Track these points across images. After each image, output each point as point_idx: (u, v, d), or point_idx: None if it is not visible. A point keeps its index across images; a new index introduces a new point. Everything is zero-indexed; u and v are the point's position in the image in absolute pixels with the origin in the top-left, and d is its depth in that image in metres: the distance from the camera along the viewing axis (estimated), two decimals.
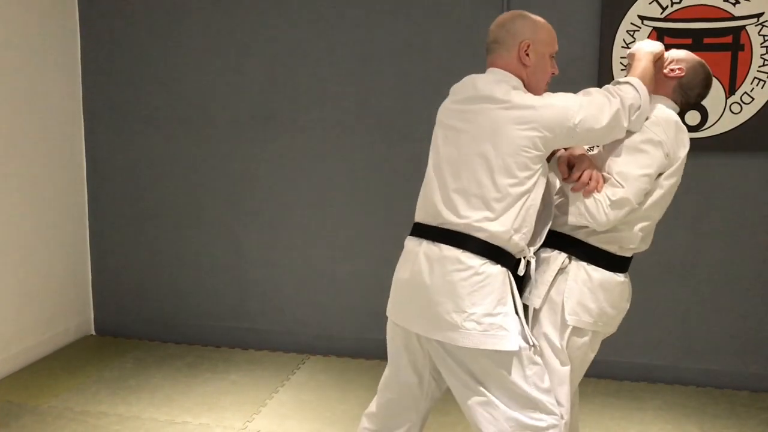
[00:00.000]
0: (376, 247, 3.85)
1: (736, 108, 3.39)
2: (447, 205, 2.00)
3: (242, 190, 4.02)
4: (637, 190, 2.01)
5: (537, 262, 2.09)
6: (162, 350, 4.06)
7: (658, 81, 2.18)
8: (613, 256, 2.12)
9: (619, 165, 2.03)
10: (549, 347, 2.08)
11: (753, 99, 3.36)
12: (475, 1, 3.59)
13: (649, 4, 3.38)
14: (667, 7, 3.37)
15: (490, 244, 1.96)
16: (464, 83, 2.11)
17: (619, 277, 2.14)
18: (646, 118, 2.07)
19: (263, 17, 3.85)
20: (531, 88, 2.05)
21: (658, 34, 3.40)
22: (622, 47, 3.43)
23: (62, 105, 4.02)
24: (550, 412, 1.98)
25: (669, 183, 2.10)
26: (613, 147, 2.08)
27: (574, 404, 2.26)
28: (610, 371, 3.69)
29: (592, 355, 2.19)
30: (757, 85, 3.35)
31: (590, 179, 2.01)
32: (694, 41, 3.37)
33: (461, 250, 1.96)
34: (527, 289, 2.11)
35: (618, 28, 3.43)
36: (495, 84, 2.01)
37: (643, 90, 2.05)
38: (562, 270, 2.10)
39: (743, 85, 3.36)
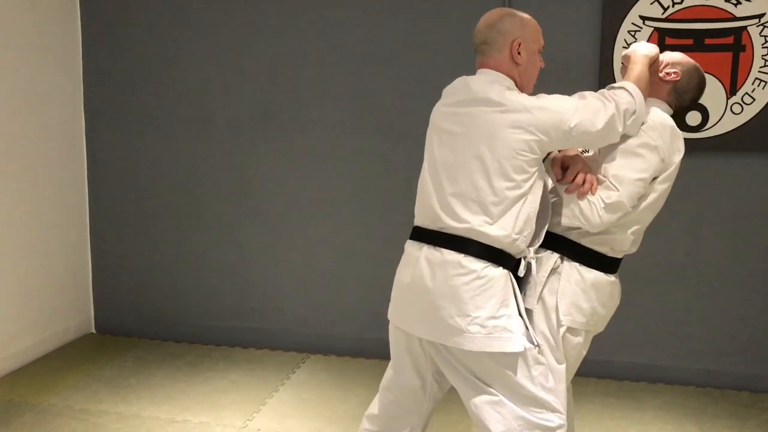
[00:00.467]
0: (376, 246, 3.85)
1: (737, 108, 3.39)
2: (445, 209, 1.99)
3: (242, 189, 4.02)
4: (632, 194, 2.03)
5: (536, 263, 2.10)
6: (162, 349, 4.06)
7: (653, 84, 2.18)
8: (605, 258, 2.14)
9: (615, 168, 2.04)
10: (546, 346, 2.09)
11: (754, 100, 3.36)
12: (476, 3, 3.59)
13: (651, 4, 3.38)
14: (668, 7, 3.37)
15: (492, 247, 1.96)
16: (456, 86, 2.10)
17: (610, 277, 2.16)
18: (642, 123, 2.07)
19: (263, 17, 3.85)
20: (523, 85, 2.06)
21: (659, 35, 3.40)
22: (623, 47, 3.42)
23: (63, 105, 4.02)
24: (555, 411, 2.00)
25: (662, 187, 2.11)
26: (609, 150, 2.08)
27: (569, 402, 2.28)
28: (610, 371, 3.70)
29: (584, 353, 2.21)
30: (758, 86, 3.35)
31: (584, 181, 2.03)
32: (695, 42, 3.37)
33: (463, 255, 1.96)
34: (524, 290, 2.12)
35: (619, 28, 3.42)
36: (489, 86, 2.01)
37: (639, 95, 2.05)
38: (554, 270, 2.11)
39: (744, 85, 3.36)
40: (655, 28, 3.40)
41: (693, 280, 3.59)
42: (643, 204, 2.09)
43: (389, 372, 2.24)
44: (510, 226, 1.95)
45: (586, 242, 2.11)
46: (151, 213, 4.16)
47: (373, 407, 2.28)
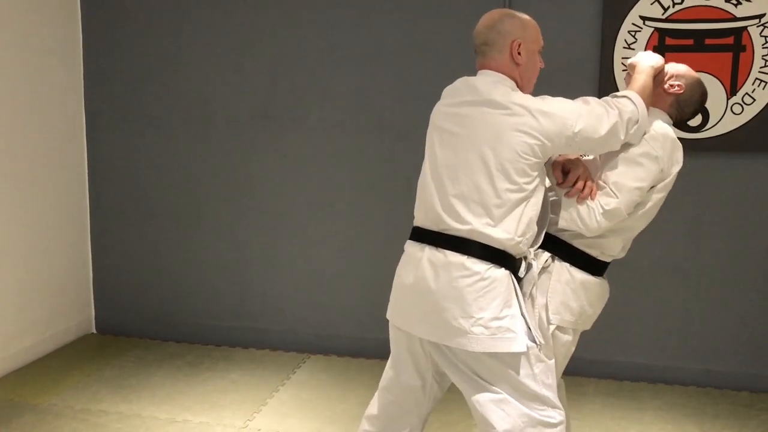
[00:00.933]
0: (376, 246, 3.85)
1: (737, 109, 3.38)
2: (448, 210, 1.99)
3: (242, 189, 4.02)
4: (629, 202, 2.06)
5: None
6: (162, 349, 4.06)
7: (656, 95, 2.20)
8: (594, 260, 2.17)
9: (616, 175, 2.07)
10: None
11: (754, 100, 3.36)
12: (476, 3, 3.58)
13: (651, 4, 3.38)
14: (668, 7, 3.37)
15: (494, 248, 1.96)
16: (458, 86, 2.10)
17: (598, 279, 2.20)
18: (645, 132, 2.09)
19: (263, 17, 3.85)
20: (523, 85, 2.07)
21: (660, 35, 3.40)
22: (624, 48, 3.43)
23: (64, 105, 4.02)
24: (556, 407, 2.02)
25: (658, 197, 2.14)
26: (610, 157, 2.11)
27: (561, 398, 2.31)
28: (610, 371, 3.70)
29: (572, 350, 2.24)
30: (758, 86, 3.35)
31: (584, 187, 2.05)
32: (696, 42, 3.37)
33: (466, 256, 1.96)
34: (523, 289, 2.13)
35: (620, 28, 3.42)
36: (493, 87, 2.01)
37: (642, 105, 2.06)
38: (544, 269, 2.14)
39: (744, 86, 3.36)
40: (656, 29, 3.40)
41: (693, 280, 3.59)
42: (639, 212, 2.13)
43: (389, 372, 2.24)
44: (512, 228, 1.96)
45: (577, 244, 2.14)
46: (151, 213, 4.16)
47: (372, 408, 2.28)
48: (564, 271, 2.14)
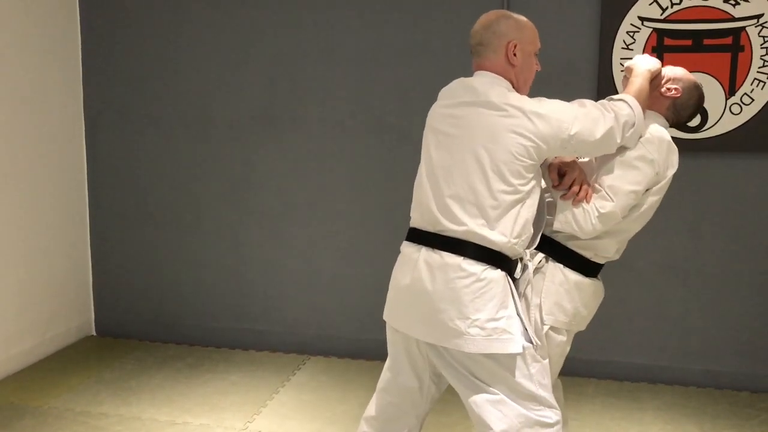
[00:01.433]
0: (376, 247, 3.85)
1: (736, 109, 3.39)
2: (443, 211, 2.00)
3: (242, 190, 4.02)
4: (625, 205, 2.07)
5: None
6: (162, 351, 4.06)
7: (653, 98, 2.21)
8: (588, 262, 2.18)
9: (611, 179, 2.07)
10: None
11: (753, 100, 3.36)
12: (475, 4, 3.59)
13: (649, 5, 3.38)
14: (667, 8, 3.37)
15: (490, 249, 1.96)
16: (454, 87, 2.10)
17: (593, 280, 2.21)
18: (640, 136, 2.09)
19: (263, 18, 3.85)
20: (518, 87, 2.07)
21: (658, 35, 3.40)
22: (622, 48, 3.43)
23: (63, 106, 4.02)
24: (552, 407, 2.02)
25: (653, 200, 2.15)
26: (606, 160, 2.12)
27: (558, 399, 2.31)
28: (610, 372, 3.70)
29: (567, 350, 2.25)
30: (757, 86, 3.35)
31: (580, 190, 2.05)
32: (694, 42, 3.37)
33: (462, 258, 1.96)
34: (519, 290, 2.14)
35: (618, 28, 3.43)
36: (489, 88, 2.01)
37: (638, 108, 2.06)
38: (538, 269, 2.15)
39: (743, 86, 3.36)
40: (654, 29, 3.40)
41: (692, 281, 3.59)
42: (634, 214, 2.14)
43: (386, 374, 2.24)
44: (508, 230, 1.96)
45: (571, 245, 2.15)
46: (151, 214, 4.16)
47: (371, 409, 2.28)
48: (558, 272, 2.15)
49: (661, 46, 3.40)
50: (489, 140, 1.95)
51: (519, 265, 2.06)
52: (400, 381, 2.19)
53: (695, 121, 3.42)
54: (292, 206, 3.97)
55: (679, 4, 3.36)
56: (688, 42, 3.38)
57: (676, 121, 2.26)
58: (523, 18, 2.09)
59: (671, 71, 2.24)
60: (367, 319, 3.89)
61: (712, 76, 3.37)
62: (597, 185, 2.09)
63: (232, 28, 3.90)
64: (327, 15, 3.78)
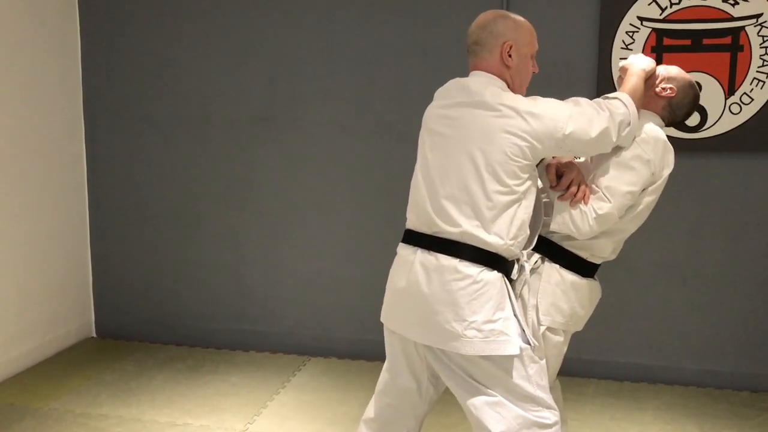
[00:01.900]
0: (376, 248, 3.85)
1: (735, 108, 3.39)
2: (439, 213, 1.99)
3: (242, 191, 4.02)
4: (622, 206, 2.08)
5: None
6: (163, 352, 4.06)
7: (648, 98, 2.20)
8: (585, 262, 2.18)
9: (608, 180, 2.07)
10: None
11: (752, 99, 3.36)
12: (475, 4, 3.59)
13: (648, 5, 3.38)
14: (666, 8, 3.37)
15: (486, 251, 1.96)
16: (449, 87, 2.10)
17: (589, 281, 2.21)
18: (636, 135, 2.08)
19: (263, 19, 3.85)
20: (514, 89, 2.05)
21: (657, 35, 3.40)
22: (622, 48, 3.43)
23: (63, 107, 4.02)
24: (550, 407, 2.02)
25: (649, 199, 2.16)
26: (602, 160, 2.11)
27: (557, 400, 2.32)
28: (610, 372, 3.70)
29: (564, 350, 2.25)
30: (756, 86, 3.35)
31: (578, 190, 2.05)
32: (694, 42, 3.37)
33: (458, 260, 1.96)
34: (516, 291, 2.14)
35: (617, 29, 3.43)
36: (484, 88, 2.00)
37: (633, 107, 2.06)
38: (534, 270, 2.15)
39: (742, 85, 3.36)
40: (653, 29, 3.40)
41: (692, 280, 3.59)
42: (630, 214, 2.14)
43: (385, 375, 2.24)
44: (504, 231, 1.96)
45: (567, 245, 2.15)
46: (151, 216, 4.16)
47: (370, 411, 2.28)
48: (554, 273, 2.15)
49: (661, 46, 3.40)
50: (483, 141, 1.94)
51: (515, 266, 2.05)
52: (398, 383, 2.19)
53: (694, 121, 3.42)
54: (292, 207, 3.97)
55: (678, 4, 3.36)
56: (688, 42, 3.38)
57: (672, 121, 2.26)
58: (521, 19, 2.08)
59: (665, 70, 2.23)
60: (368, 320, 3.88)
61: (711, 75, 3.37)
62: (594, 186, 2.09)
63: (231, 28, 3.90)
64: (326, 16, 3.78)
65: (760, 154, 3.42)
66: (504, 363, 1.97)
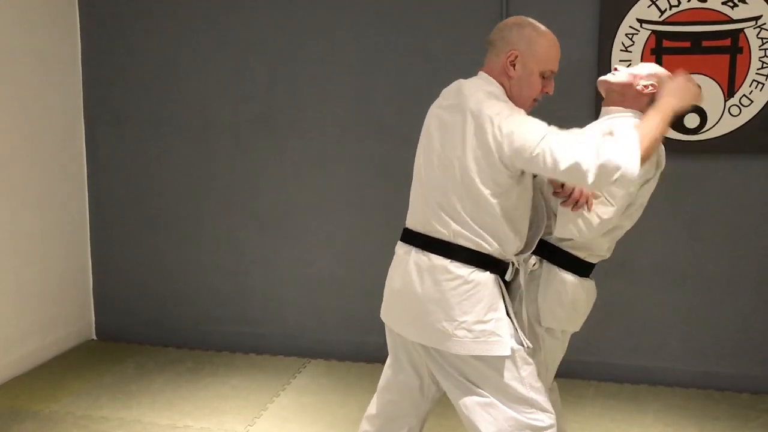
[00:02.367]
0: (376, 250, 3.85)
1: (735, 110, 3.39)
2: (432, 212, 2.00)
3: (242, 194, 4.03)
4: (622, 207, 2.09)
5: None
6: (163, 355, 4.06)
7: (631, 98, 2.21)
8: (582, 262, 2.19)
9: None
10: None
11: (752, 101, 3.36)
12: (474, 7, 3.60)
13: (648, 7, 3.39)
14: (665, 10, 3.38)
15: (478, 252, 1.96)
16: (450, 88, 2.08)
17: (586, 281, 2.21)
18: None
19: (262, 22, 3.86)
20: (512, 99, 1.99)
21: (657, 38, 3.40)
22: (621, 50, 3.43)
23: (63, 110, 4.03)
24: (545, 410, 2.01)
25: (644, 197, 2.17)
26: None
27: (555, 402, 2.32)
28: (610, 374, 3.70)
29: (564, 351, 2.26)
30: (755, 88, 3.35)
31: (581, 196, 2.03)
32: (693, 44, 3.38)
33: (449, 260, 1.97)
34: (511, 292, 2.15)
35: (617, 31, 3.43)
36: (473, 93, 1.96)
37: (635, 154, 1.78)
38: (531, 271, 2.16)
39: (742, 87, 3.36)
40: (653, 31, 3.41)
41: (692, 282, 3.59)
42: (627, 212, 2.15)
43: (387, 371, 2.25)
44: (490, 235, 1.95)
45: (564, 246, 2.16)
46: (151, 218, 4.16)
47: (372, 408, 2.29)
48: (552, 274, 2.15)
49: (660, 48, 3.41)
50: (460, 147, 1.93)
51: (510, 268, 2.05)
52: (400, 379, 2.20)
53: (694, 123, 3.43)
54: (292, 209, 3.97)
55: (678, 6, 3.36)
56: (687, 44, 3.38)
57: None
58: (545, 34, 1.99)
59: (644, 69, 2.24)
60: (368, 322, 3.87)
61: (710, 77, 3.38)
62: (596, 192, 2.08)
63: (231, 31, 3.91)
64: (325, 20, 3.79)
65: (759, 155, 3.43)
66: (496, 364, 1.97)
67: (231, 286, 4.11)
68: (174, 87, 4.02)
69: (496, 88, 1.99)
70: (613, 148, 1.79)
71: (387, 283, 2.16)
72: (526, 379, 1.99)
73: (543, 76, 2.00)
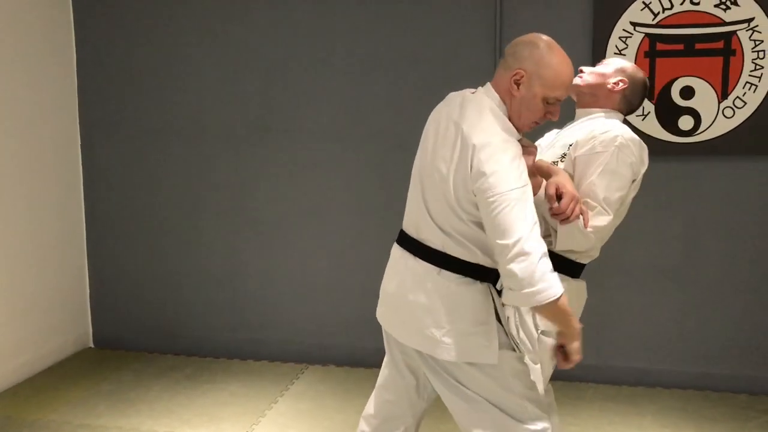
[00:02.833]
0: (373, 255, 3.83)
1: (728, 112, 3.41)
2: (423, 220, 2.00)
3: (238, 200, 4.03)
4: (615, 211, 2.10)
5: None
6: (161, 362, 4.05)
7: (604, 96, 2.21)
8: (573, 263, 2.18)
9: (602, 191, 2.07)
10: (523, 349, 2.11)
11: (745, 103, 3.38)
12: (468, 12, 3.61)
13: (641, 10, 3.40)
14: (658, 13, 3.39)
15: (468, 262, 1.96)
16: (456, 99, 2.02)
17: (578, 282, 2.21)
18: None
19: (257, 28, 3.87)
20: (512, 118, 1.94)
21: (650, 40, 3.42)
22: (615, 54, 3.45)
23: (58, 117, 4.03)
24: (539, 415, 2.01)
25: (630, 197, 2.18)
26: (592, 170, 2.08)
27: (550, 404, 2.31)
28: (608, 376, 3.70)
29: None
30: (749, 90, 3.37)
31: (574, 210, 1.98)
32: (686, 47, 3.39)
33: (440, 269, 1.97)
34: None
35: (610, 34, 3.45)
36: (470, 109, 1.93)
37: (553, 304, 1.82)
38: None
39: (735, 89, 3.38)
40: (646, 34, 3.42)
41: (689, 284, 3.60)
42: (616, 214, 2.14)
43: (384, 370, 2.26)
44: (477, 247, 1.94)
45: (555, 249, 2.13)
46: (147, 226, 4.16)
47: (369, 407, 2.30)
48: None
49: (654, 50, 3.42)
50: (447, 164, 1.91)
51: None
52: (397, 378, 2.20)
53: (688, 125, 3.44)
54: (289, 215, 3.97)
55: (671, 9, 3.38)
56: (680, 47, 3.40)
57: (629, 111, 2.28)
58: (557, 58, 1.88)
59: (609, 67, 2.24)
60: (365, 328, 3.87)
61: (704, 80, 3.39)
62: (591, 201, 2.06)
63: (226, 38, 3.91)
64: (321, 25, 3.79)
65: (753, 157, 3.44)
66: (489, 369, 1.97)
67: (228, 292, 4.11)
68: (170, 93, 4.02)
69: (498, 106, 1.94)
70: (540, 265, 1.79)
71: (383, 283, 2.17)
72: (519, 383, 1.99)
73: (547, 102, 1.90)
